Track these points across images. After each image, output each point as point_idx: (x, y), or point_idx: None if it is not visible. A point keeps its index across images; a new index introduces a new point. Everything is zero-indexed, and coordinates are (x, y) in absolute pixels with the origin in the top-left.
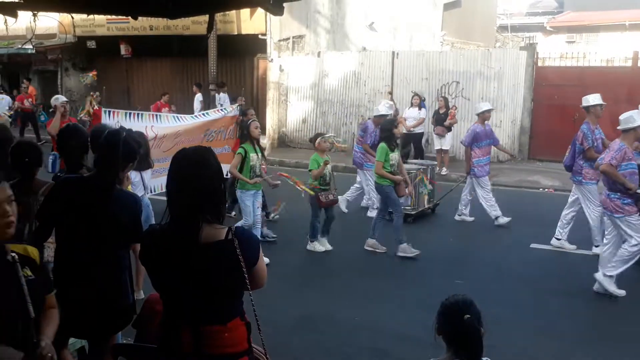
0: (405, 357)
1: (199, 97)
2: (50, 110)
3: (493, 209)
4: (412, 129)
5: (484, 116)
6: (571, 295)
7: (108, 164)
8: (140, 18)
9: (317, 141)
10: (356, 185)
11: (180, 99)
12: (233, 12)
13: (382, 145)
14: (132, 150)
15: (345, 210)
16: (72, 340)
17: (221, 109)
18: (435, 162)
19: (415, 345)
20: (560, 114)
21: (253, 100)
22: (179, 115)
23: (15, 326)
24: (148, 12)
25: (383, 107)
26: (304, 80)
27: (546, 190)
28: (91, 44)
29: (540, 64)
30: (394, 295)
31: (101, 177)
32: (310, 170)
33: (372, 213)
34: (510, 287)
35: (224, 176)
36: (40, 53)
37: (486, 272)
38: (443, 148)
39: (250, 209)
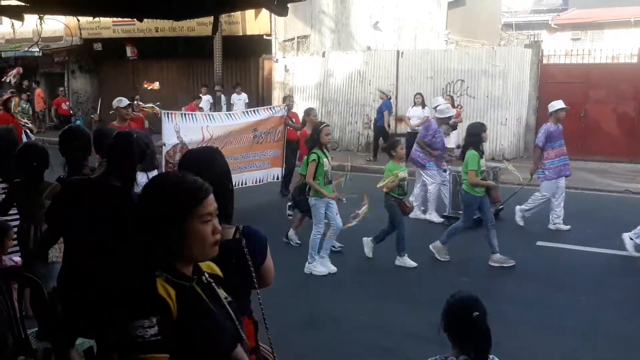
0: (411, 355)
1: (208, 98)
2: (111, 112)
3: (530, 211)
4: (416, 128)
5: (557, 115)
6: (577, 292)
7: (119, 166)
8: (145, 20)
9: (397, 149)
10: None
11: (187, 100)
12: (238, 13)
13: (473, 152)
14: (142, 152)
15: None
16: (80, 340)
17: (270, 108)
18: (501, 165)
19: (421, 343)
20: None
21: (258, 101)
22: (230, 112)
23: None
24: (153, 14)
25: (448, 110)
26: (309, 80)
27: None
28: (97, 46)
29: (545, 61)
30: (399, 293)
31: (109, 178)
32: (384, 181)
33: (430, 216)
34: (516, 285)
35: (274, 178)
36: (47, 56)
37: (492, 270)
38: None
39: (322, 216)
